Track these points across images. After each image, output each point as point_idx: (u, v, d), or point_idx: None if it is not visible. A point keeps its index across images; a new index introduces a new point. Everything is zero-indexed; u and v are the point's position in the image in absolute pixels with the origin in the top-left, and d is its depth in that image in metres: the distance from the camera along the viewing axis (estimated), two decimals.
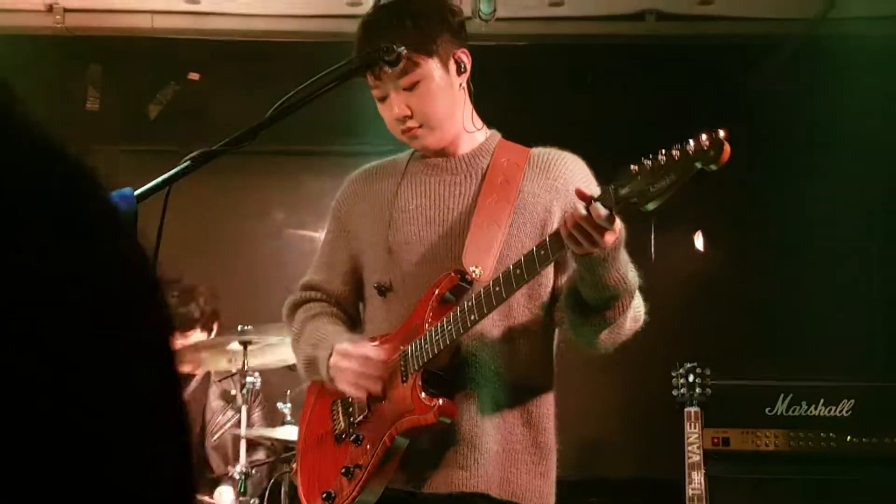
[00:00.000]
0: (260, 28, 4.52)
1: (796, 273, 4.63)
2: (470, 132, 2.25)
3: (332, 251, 2.36)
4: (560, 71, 4.71)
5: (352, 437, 2.17)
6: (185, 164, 1.62)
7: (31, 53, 4.46)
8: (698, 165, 1.76)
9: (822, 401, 3.94)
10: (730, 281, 4.79)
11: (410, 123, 2.14)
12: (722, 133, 1.75)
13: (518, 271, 1.96)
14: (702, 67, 4.67)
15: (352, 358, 2.11)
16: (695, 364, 3.78)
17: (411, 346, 2.09)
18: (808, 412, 3.93)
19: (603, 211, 1.83)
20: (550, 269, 2.17)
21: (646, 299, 2.21)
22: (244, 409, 3.87)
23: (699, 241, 4.89)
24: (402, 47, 2.03)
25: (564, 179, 2.20)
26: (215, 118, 4.48)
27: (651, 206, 1.82)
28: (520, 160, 2.22)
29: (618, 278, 1.97)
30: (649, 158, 1.81)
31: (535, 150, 2.27)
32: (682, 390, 3.75)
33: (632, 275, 2.04)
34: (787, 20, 4.49)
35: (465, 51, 2.20)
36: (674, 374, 3.80)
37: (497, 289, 1.98)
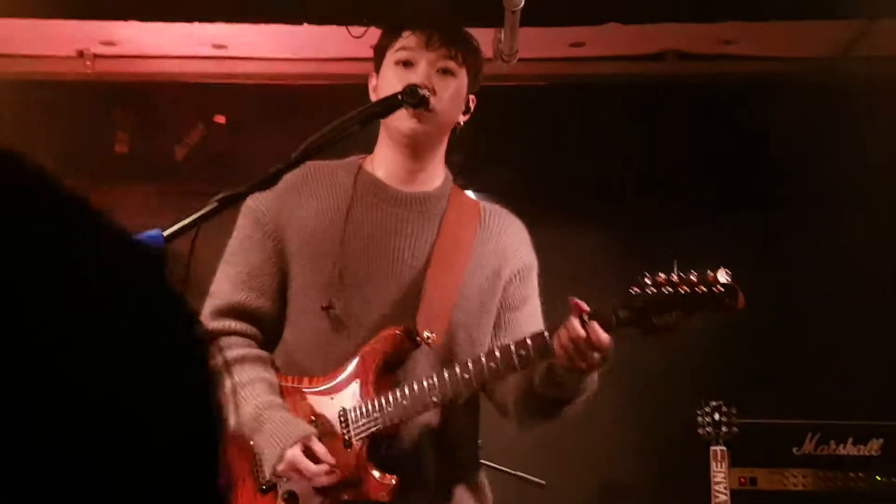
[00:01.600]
0: (285, 72, 4.59)
1: (823, 310, 4.60)
2: (442, 166, 2.22)
3: (257, 263, 2.11)
4: (580, 111, 4.73)
5: (282, 495, 2.02)
6: (212, 205, 1.65)
7: (62, 98, 4.56)
8: (708, 310, 1.74)
9: (850, 440, 3.90)
10: (756, 318, 4.75)
11: (431, 98, 2.01)
12: (728, 277, 1.75)
13: (493, 365, 1.93)
14: (724, 106, 4.68)
15: (305, 474, 1.97)
16: (720, 402, 3.76)
17: (354, 412, 2.00)
18: (837, 451, 3.90)
19: (604, 336, 1.80)
20: (489, 330, 2.16)
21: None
22: None
23: (723, 278, 4.86)
24: (427, 91, 2.02)
25: (514, 247, 2.21)
26: (241, 160, 4.53)
27: (653, 337, 1.79)
28: (471, 220, 2.18)
29: (591, 382, 1.98)
30: (652, 284, 1.76)
31: (485, 209, 2.23)
32: (707, 429, 3.72)
33: (595, 376, 2.01)
34: (810, 59, 4.51)
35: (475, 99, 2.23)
36: (699, 412, 3.78)
37: (466, 376, 1.94)
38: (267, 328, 2.13)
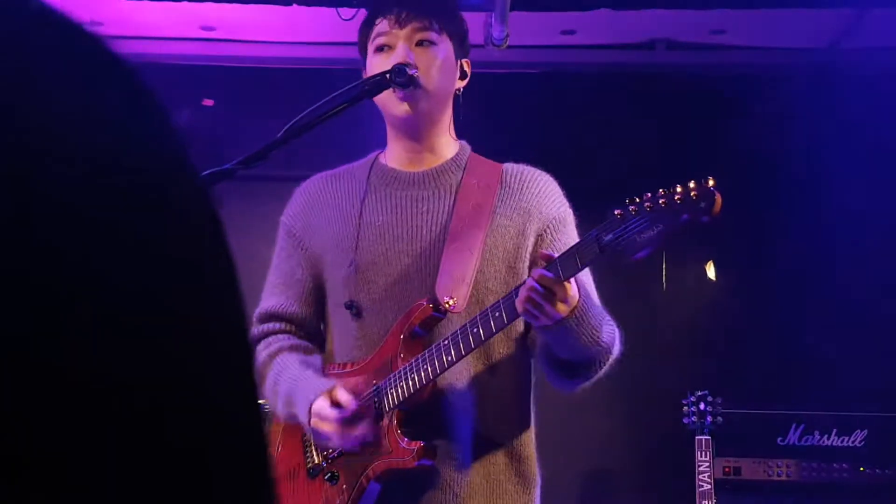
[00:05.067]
0: (275, 55, 4.56)
1: (809, 302, 4.61)
2: (450, 139, 2.20)
3: (288, 271, 2.21)
4: (570, 99, 4.73)
5: (326, 476, 2.09)
6: None
7: None
8: (685, 217, 1.68)
9: (834, 431, 3.92)
10: (742, 310, 4.77)
11: (411, 72, 2.01)
12: (711, 181, 1.68)
13: (497, 314, 1.90)
14: (713, 96, 4.68)
15: (329, 421, 2.00)
16: (706, 392, 3.77)
17: (385, 383, 2.02)
18: (821, 442, 3.92)
19: (548, 276, 1.78)
20: None
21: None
22: None
23: (711, 271, 4.87)
24: (415, 69, 2.01)
25: (537, 201, 2.14)
26: (229, 144, 4.51)
27: (639, 256, 1.73)
28: (491, 180, 2.14)
29: (590, 341, 1.93)
30: (634, 203, 1.72)
31: (507, 168, 2.19)
32: (692, 418, 3.73)
33: (606, 330, 1.98)
34: (800, 50, 4.51)
35: (469, 62, 2.21)
36: (685, 402, 3.79)
37: (475, 329, 1.92)
38: (308, 332, 2.22)
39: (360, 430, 2.00)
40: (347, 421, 1.99)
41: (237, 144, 4.23)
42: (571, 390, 2.11)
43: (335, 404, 2.00)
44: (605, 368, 2.07)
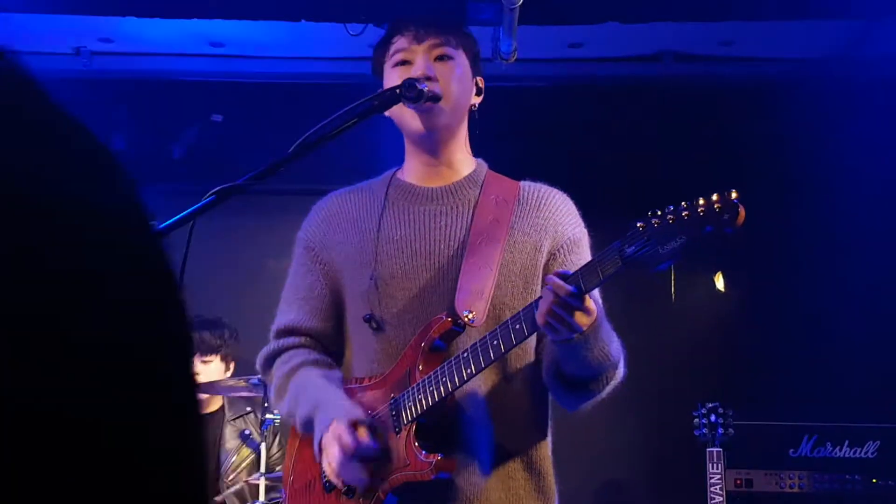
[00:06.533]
0: (283, 70, 4.58)
1: (820, 313, 4.60)
2: (467, 155, 2.21)
3: (307, 286, 2.21)
4: (579, 111, 4.74)
5: (343, 489, 2.07)
6: (209, 198, 1.64)
7: (58, 95, 4.53)
8: (709, 229, 1.67)
9: (846, 442, 3.90)
10: (752, 321, 4.76)
11: (431, 86, 2.03)
12: (734, 194, 1.68)
13: (518, 326, 1.90)
14: (722, 108, 4.68)
15: (342, 443, 1.98)
16: (717, 404, 3.76)
17: (403, 396, 2.02)
18: (833, 453, 3.90)
19: (567, 288, 1.77)
20: None
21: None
22: (263, 447, 3.84)
23: (720, 282, 4.87)
24: (425, 84, 2.02)
25: (554, 219, 2.15)
26: (238, 159, 4.53)
27: (661, 268, 1.72)
28: (508, 196, 2.16)
29: (601, 356, 1.92)
30: (657, 216, 1.72)
31: (525, 186, 2.21)
32: (704, 430, 3.72)
33: (615, 346, 1.98)
34: (808, 60, 4.51)
35: (482, 80, 2.23)
36: (696, 414, 3.78)
37: (495, 342, 1.91)
38: (327, 346, 2.21)
39: (361, 470, 1.99)
40: (356, 457, 1.98)
41: (246, 159, 4.25)
42: (575, 408, 2.10)
43: (354, 430, 1.99)
44: (610, 387, 2.06)
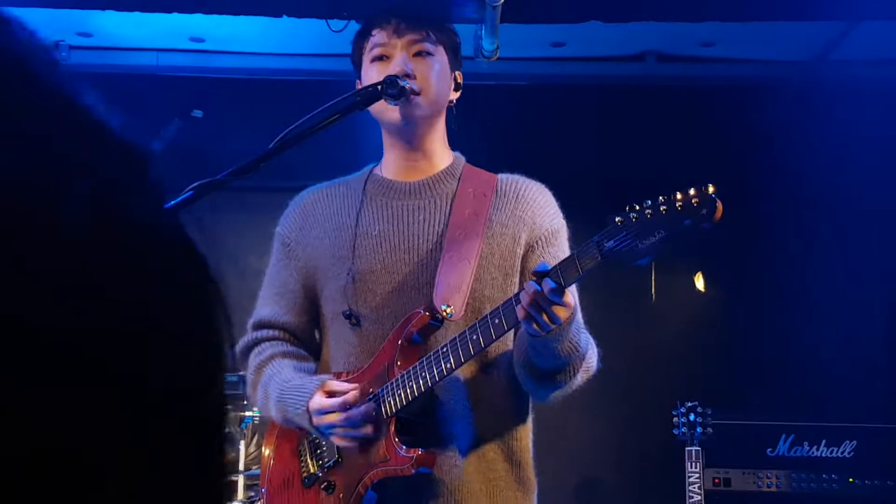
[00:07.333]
0: (264, 66, 4.56)
1: (798, 313, 4.63)
2: (445, 149, 2.22)
3: (281, 282, 2.23)
4: (560, 110, 4.74)
5: (322, 484, 2.08)
6: (189, 192, 1.62)
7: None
8: (688, 223, 1.68)
9: (824, 441, 3.92)
10: (731, 321, 4.78)
11: (410, 83, 2.04)
12: (711, 188, 1.68)
13: (497, 321, 1.90)
14: (703, 109, 4.70)
15: (332, 411, 2.01)
16: (696, 403, 3.77)
17: (382, 391, 2.02)
18: (811, 453, 3.92)
19: (550, 286, 1.78)
20: None
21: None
22: (242, 445, 3.83)
23: (700, 282, 4.88)
24: (407, 81, 2.02)
25: (532, 211, 2.15)
26: (219, 156, 4.49)
27: (640, 263, 1.73)
28: (486, 189, 2.16)
29: (570, 348, 1.93)
30: (634, 210, 1.72)
31: (502, 178, 2.20)
32: (682, 429, 3.73)
33: (584, 337, 1.99)
34: (789, 62, 4.53)
35: (461, 74, 2.23)
36: (675, 413, 3.79)
37: (474, 337, 1.92)
38: (301, 340, 2.23)
39: (362, 413, 2.00)
40: (349, 405, 2.00)
41: (227, 155, 4.23)
42: (545, 399, 2.10)
43: (331, 395, 2.02)
44: (580, 378, 2.06)
